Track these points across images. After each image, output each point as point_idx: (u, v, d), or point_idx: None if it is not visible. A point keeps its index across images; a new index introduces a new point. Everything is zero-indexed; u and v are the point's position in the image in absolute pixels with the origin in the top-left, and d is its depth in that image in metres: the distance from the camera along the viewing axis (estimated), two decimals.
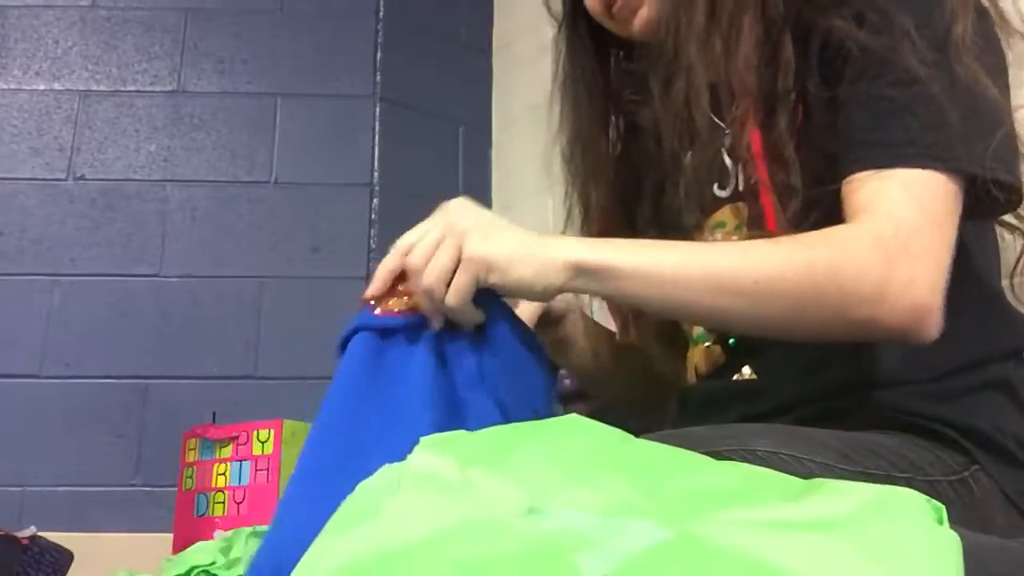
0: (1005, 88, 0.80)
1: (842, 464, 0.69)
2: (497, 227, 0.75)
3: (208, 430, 1.67)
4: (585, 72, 0.99)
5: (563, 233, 1.02)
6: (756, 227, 0.82)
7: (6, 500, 1.82)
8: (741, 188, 0.88)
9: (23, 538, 1.63)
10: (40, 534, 1.68)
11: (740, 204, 0.88)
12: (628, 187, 0.99)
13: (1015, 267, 0.88)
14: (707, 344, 0.92)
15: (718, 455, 0.64)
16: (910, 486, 0.71)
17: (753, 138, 0.82)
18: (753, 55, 0.82)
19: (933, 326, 0.71)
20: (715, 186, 0.90)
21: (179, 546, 1.65)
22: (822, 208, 0.77)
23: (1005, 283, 0.91)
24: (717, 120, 0.87)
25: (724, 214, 0.89)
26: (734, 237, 0.88)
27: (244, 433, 1.64)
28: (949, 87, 0.74)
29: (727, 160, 0.89)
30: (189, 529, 1.64)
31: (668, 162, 0.91)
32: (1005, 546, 0.64)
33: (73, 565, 1.69)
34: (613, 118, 1.01)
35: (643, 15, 0.90)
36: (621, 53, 1.00)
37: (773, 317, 0.72)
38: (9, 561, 1.59)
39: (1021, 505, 0.77)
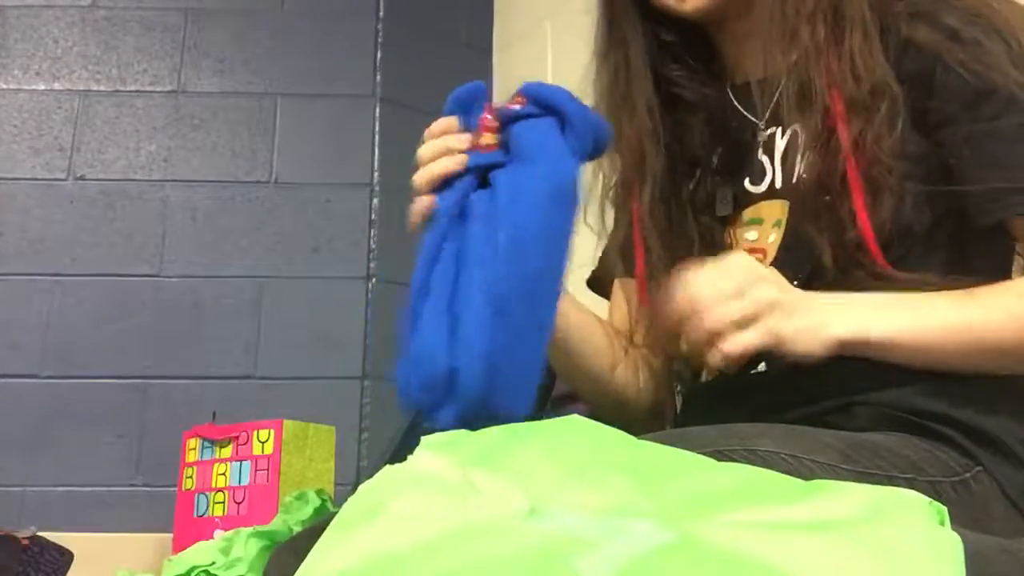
0: None
1: (844, 464, 0.69)
2: (796, 304, 0.77)
3: (208, 430, 1.67)
4: (628, 43, 0.97)
5: (586, 207, 1.01)
6: (803, 226, 0.84)
7: (6, 500, 1.82)
8: (779, 185, 0.89)
9: (23, 538, 1.63)
10: (40, 534, 1.68)
11: (779, 201, 0.89)
12: (663, 164, 0.97)
13: None
14: None
15: (719, 455, 0.64)
16: (911, 487, 0.71)
17: (841, 134, 0.83)
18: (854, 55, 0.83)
19: None
20: (747, 181, 0.91)
21: (179, 546, 1.65)
22: (916, 210, 0.81)
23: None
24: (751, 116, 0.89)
25: (760, 210, 0.90)
26: (772, 234, 0.89)
27: (244, 433, 1.64)
28: None
29: (761, 156, 0.90)
30: (189, 529, 1.64)
31: (700, 147, 0.93)
32: (1005, 547, 0.64)
33: (73, 565, 1.69)
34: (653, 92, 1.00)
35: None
36: (666, 25, 0.97)
37: (1010, 367, 0.79)
38: (9, 561, 1.59)
39: (1022, 506, 0.77)
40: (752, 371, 0.88)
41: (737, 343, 0.74)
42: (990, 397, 0.80)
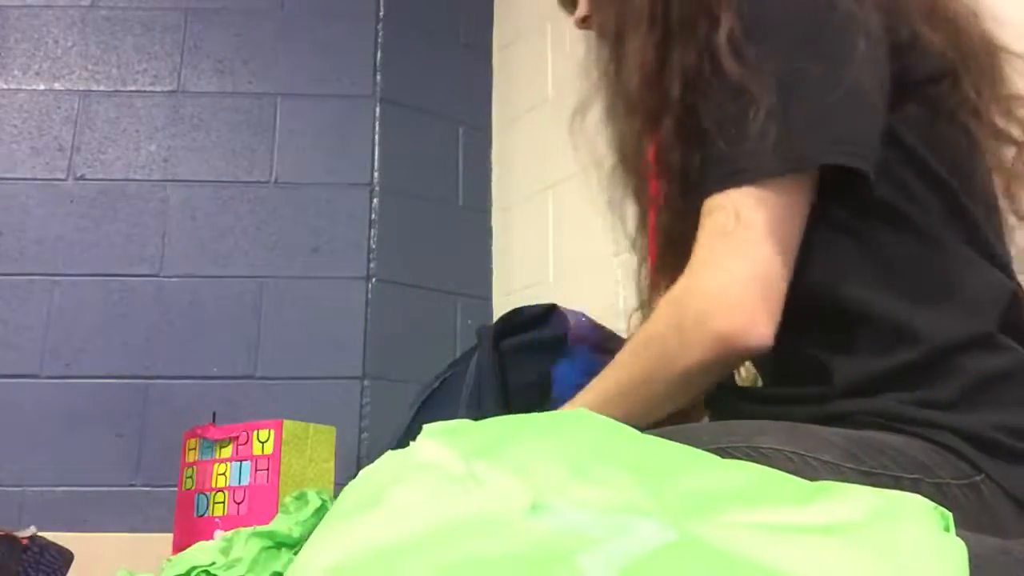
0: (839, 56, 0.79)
1: (848, 463, 0.69)
2: None
3: (208, 430, 1.67)
4: None
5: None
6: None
7: (6, 500, 1.81)
8: None
9: (23, 538, 1.63)
10: (40, 534, 1.68)
11: None
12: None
13: None
14: None
15: (723, 452, 0.64)
16: (917, 488, 0.71)
17: (649, 150, 0.88)
18: (644, 67, 0.86)
19: (754, 337, 0.75)
20: None
21: (179, 546, 1.65)
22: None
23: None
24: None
25: None
26: None
27: (244, 433, 1.64)
28: (768, 86, 0.76)
29: None
30: (189, 529, 1.64)
31: None
32: (1005, 548, 0.64)
33: (73, 565, 1.69)
34: None
35: (579, 11, 0.97)
36: None
37: (646, 408, 0.81)
38: (9, 561, 1.59)
39: None
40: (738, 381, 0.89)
41: None
42: (981, 397, 0.79)
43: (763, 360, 0.87)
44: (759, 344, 0.75)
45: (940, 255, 0.82)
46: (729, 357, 0.77)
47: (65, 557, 1.69)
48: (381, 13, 2.19)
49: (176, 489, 1.70)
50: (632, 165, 0.95)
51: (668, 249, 0.89)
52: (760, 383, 0.91)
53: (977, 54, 0.86)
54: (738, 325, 0.75)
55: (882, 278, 0.80)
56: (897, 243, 0.81)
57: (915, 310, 0.78)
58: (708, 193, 0.79)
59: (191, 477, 1.67)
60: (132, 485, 1.88)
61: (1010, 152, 0.88)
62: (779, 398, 0.84)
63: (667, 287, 0.85)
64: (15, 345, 1.91)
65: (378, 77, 2.15)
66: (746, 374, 0.90)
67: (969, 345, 0.79)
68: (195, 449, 1.68)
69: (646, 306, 1.03)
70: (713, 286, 0.76)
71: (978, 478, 0.75)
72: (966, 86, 0.85)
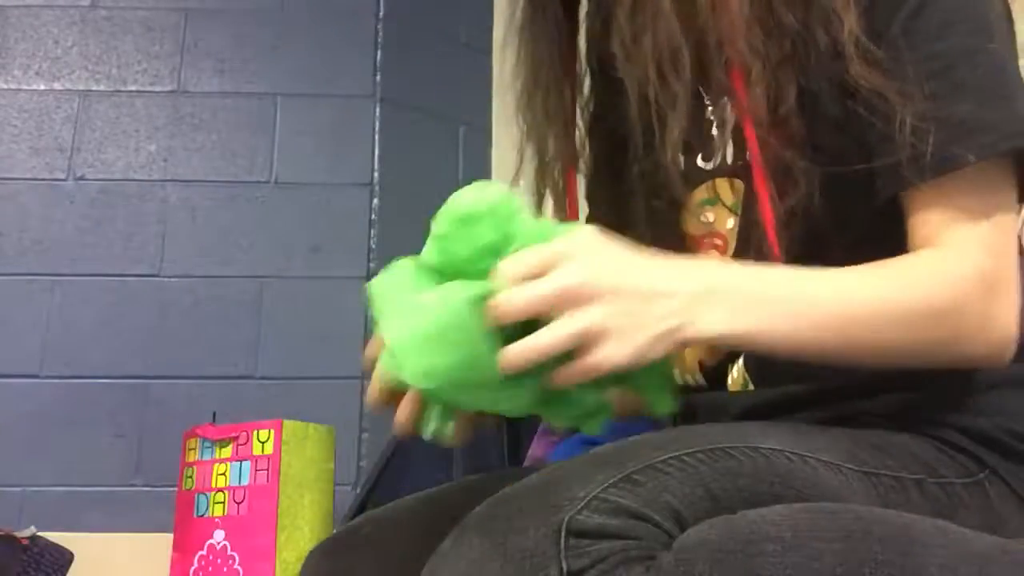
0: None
1: (850, 464, 0.69)
2: (632, 309, 0.62)
3: (208, 430, 1.67)
4: (547, 14, 0.91)
5: (514, 180, 0.96)
6: (752, 210, 0.79)
7: (6, 500, 1.82)
8: (731, 161, 0.83)
9: (23, 538, 1.64)
10: (40, 534, 1.68)
11: (735, 180, 0.83)
12: (610, 145, 0.93)
13: None
14: None
15: (722, 452, 0.64)
16: (921, 488, 0.71)
17: (747, 111, 0.78)
18: (749, 10, 0.77)
19: (1009, 354, 0.72)
20: (699, 157, 0.85)
21: (179, 546, 1.65)
22: (830, 196, 0.75)
23: None
24: (698, 87, 0.81)
25: (712, 189, 0.84)
26: (729, 219, 0.84)
27: (244, 433, 1.64)
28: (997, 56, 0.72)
29: (715, 129, 0.84)
30: (189, 529, 1.64)
31: (638, 128, 0.84)
32: (1007, 547, 0.64)
33: (73, 565, 1.69)
34: (584, 68, 0.95)
35: None
36: None
37: (895, 361, 0.72)
38: (9, 561, 1.59)
39: None
40: (729, 382, 0.88)
41: (535, 342, 0.58)
42: (990, 396, 0.79)
43: (758, 362, 0.86)
44: (1010, 357, 0.72)
45: None
46: (996, 363, 0.72)
47: (65, 557, 1.69)
48: (381, 13, 2.19)
49: (176, 489, 1.70)
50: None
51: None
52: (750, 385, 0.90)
53: None
54: (1014, 339, 0.71)
55: None
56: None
57: None
58: (950, 162, 0.70)
59: (191, 477, 1.67)
60: (132, 485, 1.88)
61: None
62: (779, 402, 0.83)
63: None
64: (15, 345, 1.91)
65: (378, 77, 2.15)
66: (738, 376, 0.89)
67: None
68: (195, 449, 1.68)
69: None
70: (1008, 282, 0.70)
71: (982, 475, 0.74)
72: None
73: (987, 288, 0.70)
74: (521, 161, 0.97)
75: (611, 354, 0.60)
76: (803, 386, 0.81)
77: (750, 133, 0.78)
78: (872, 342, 0.69)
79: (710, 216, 0.85)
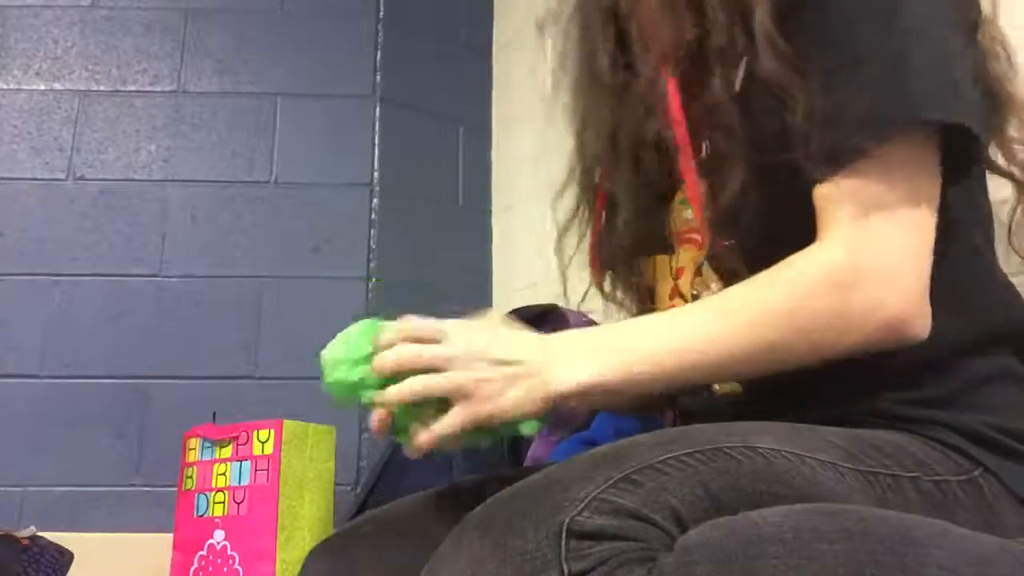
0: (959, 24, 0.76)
1: (847, 463, 0.69)
2: (496, 375, 0.74)
3: (208, 430, 1.67)
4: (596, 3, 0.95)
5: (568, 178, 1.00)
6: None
7: (6, 500, 1.82)
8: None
9: (23, 538, 1.63)
10: (40, 534, 1.68)
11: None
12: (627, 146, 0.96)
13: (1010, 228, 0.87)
14: None
15: (720, 452, 0.64)
16: (916, 486, 0.71)
17: (671, 99, 0.80)
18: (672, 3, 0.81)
19: (918, 327, 0.72)
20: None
21: (179, 546, 1.65)
22: (764, 188, 0.76)
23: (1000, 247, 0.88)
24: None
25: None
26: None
27: (244, 433, 1.64)
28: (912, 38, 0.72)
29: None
30: (189, 529, 1.64)
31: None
32: (1006, 547, 0.64)
33: (73, 565, 1.69)
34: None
35: None
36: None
37: (752, 372, 0.75)
38: (9, 561, 1.59)
39: None
40: (717, 387, 0.89)
41: (442, 428, 0.73)
42: (977, 397, 0.79)
43: None
44: (920, 335, 0.72)
45: (971, 257, 0.82)
46: (891, 346, 0.72)
47: (65, 557, 1.69)
48: (381, 13, 2.19)
49: (176, 489, 1.70)
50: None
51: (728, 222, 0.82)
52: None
53: (996, 91, 0.84)
54: (910, 314, 0.71)
55: None
56: None
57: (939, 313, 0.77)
58: (828, 173, 0.72)
59: (191, 477, 1.67)
60: (132, 485, 1.88)
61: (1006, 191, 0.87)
62: (773, 401, 0.83)
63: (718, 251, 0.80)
64: (15, 345, 1.91)
65: (378, 77, 2.15)
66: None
67: (970, 350, 0.79)
68: (195, 449, 1.68)
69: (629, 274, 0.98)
70: (883, 269, 0.71)
71: (976, 473, 0.75)
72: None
73: (835, 285, 0.71)
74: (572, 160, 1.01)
75: (481, 410, 0.72)
76: (793, 385, 0.81)
77: (679, 129, 0.81)
78: (714, 357, 0.73)
79: (688, 213, 0.88)
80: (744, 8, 0.77)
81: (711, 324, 0.74)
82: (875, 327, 0.71)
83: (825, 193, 0.74)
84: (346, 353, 0.80)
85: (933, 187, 0.74)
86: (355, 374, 0.79)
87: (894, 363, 0.77)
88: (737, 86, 0.78)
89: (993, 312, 0.81)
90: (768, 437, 0.67)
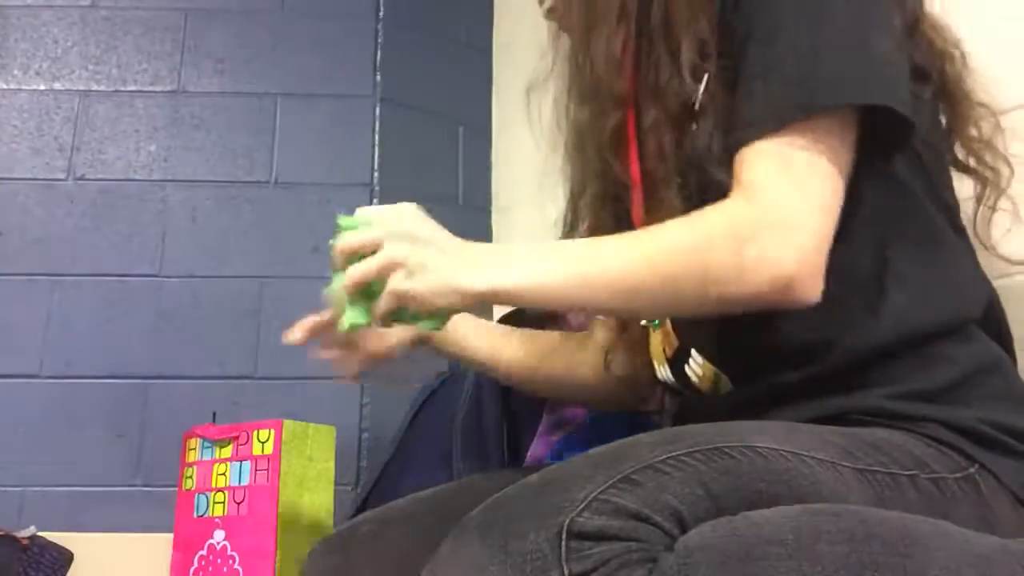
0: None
1: (845, 461, 0.69)
2: (426, 253, 0.80)
3: (208, 430, 1.67)
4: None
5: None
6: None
7: (6, 500, 1.81)
8: None
9: (23, 538, 1.64)
10: (40, 534, 1.68)
11: None
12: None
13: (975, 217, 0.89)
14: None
15: (718, 452, 0.64)
16: (914, 484, 0.71)
17: (627, 151, 0.88)
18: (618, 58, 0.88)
19: (807, 290, 0.74)
20: None
21: (179, 547, 1.65)
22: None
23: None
24: None
25: None
26: None
27: (244, 433, 1.64)
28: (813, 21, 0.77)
29: None
30: (189, 529, 1.64)
31: None
32: (1007, 547, 0.64)
33: (73, 565, 1.69)
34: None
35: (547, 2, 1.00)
36: None
37: (649, 306, 0.81)
38: (9, 561, 1.59)
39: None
40: (688, 367, 0.89)
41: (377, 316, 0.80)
42: (969, 391, 0.79)
43: (720, 355, 0.87)
44: (811, 300, 0.74)
45: (934, 242, 0.84)
46: (779, 304, 0.75)
47: (65, 557, 1.69)
48: (381, 13, 2.19)
49: (176, 489, 1.70)
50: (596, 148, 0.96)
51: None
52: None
53: (951, 91, 0.88)
54: (802, 274, 0.73)
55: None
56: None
57: (903, 292, 0.80)
58: (747, 139, 0.77)
59: (191, 477, 1.67)
60: (132, 485, 1.88)
61: (965, 184, 0.90)
62: (765, 396, 0.84)
63: None
64: (15, 345, 1.91)
65: (378, 77, 2.15)
66: (704, 372, 0.90)
67: (951, 332, 0.80)
68: (195, 449, 1.68)
69: None
70: (782, 227, 0.74)
71: (972, 470, 0.75)
72: (939, 109, 0.89)
73: (733, 233, 0.74)
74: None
75: (408, 286, 0.78)
76: (783, 377, 0.82)
77: (633, 172, 0.89)
78: (616, 279, 0.76)
79: None
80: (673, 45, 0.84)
81: (622, 250, 0.78)
82: (766, 280, 0.73)
83: (741, 157, 0.77)
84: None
85: (846, 163, 0.77)
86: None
87: (877, 342, 0.78)
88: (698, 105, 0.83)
89: (964, 299, 0.83)
90: (767, 436, 0.67)
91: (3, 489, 1.83)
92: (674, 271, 0.75)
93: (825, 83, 0.75)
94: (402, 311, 0.81)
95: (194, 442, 1.68)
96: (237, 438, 1.64)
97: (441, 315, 0.82)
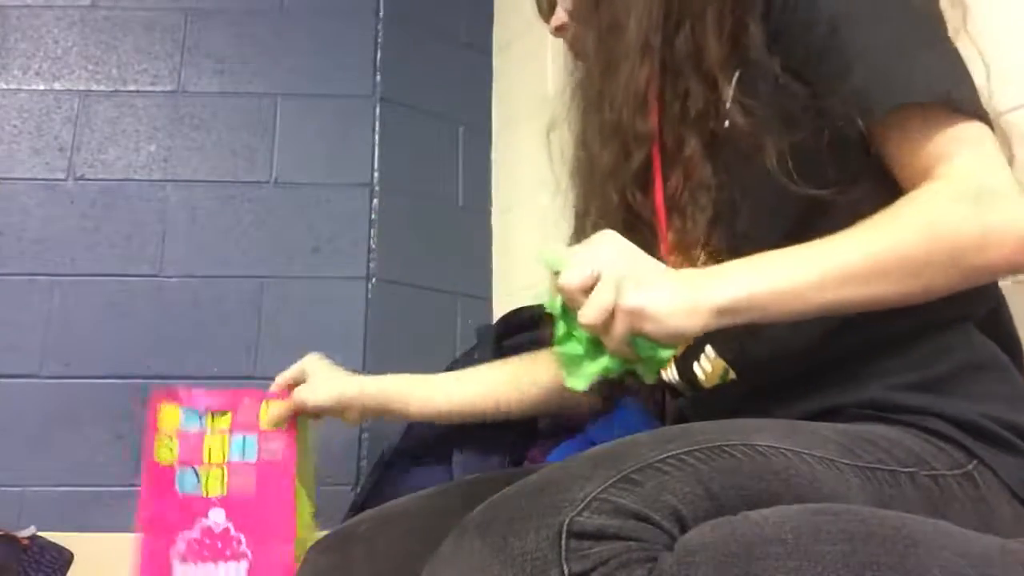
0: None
1: (845, 459, 0.69)
2: (649, 272, 0.75)
3: (194, 398, 1.47)
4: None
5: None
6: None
7: (6, 500, 1.81)
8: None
9: (23, 538, 1.63)
10: (40, 534, 1.68)
11: None
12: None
13: None
14: None
15: (719, 451, 0.64)
16: (914, 481, 0.71)
17: (651, 186, 0.88)
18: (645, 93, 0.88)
19: None
20: None
21: (150, 527, 1.48)
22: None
23: None
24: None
25: None
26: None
27: (248, 400, 1.47)
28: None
29: None
30: (167, 506, 1.46)
31: None
32: (1007, 547, 0.64)
33: (73, 565, 1.69)
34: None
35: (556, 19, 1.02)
36: None
37: (900, 290, 0.75)
38: (9, 561, 1.59)
39: (1022, 495, 0.77)
40: (697, 363, 0.89)
41: (612, 340, 0.74)
42: (968, 385, 0.79)
43: (734, 347, 0.87)
44: None
45: None
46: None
47: (65, 557, 1.69)
48: (381, 13, 2.19)
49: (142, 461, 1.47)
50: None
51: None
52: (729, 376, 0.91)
53: None
54: None
55: None
56: None
57: None
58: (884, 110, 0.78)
59: (170, 448, 1.46)
60: (132, 485, 1.87)
61: None
62: (765, 389, 0.84)
63: None
64: (15, 345, 1.91)
65: (378, 77, 2.15)
66: (713, 368, 0.90)
67: (949, 325, 0.80)
68: (173, 417, 1.46)
69: None
70: (1008, 191, 0.75)
71: (971, 467, 0.75)
72: None
73: (968, 207, 0.74)
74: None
75: (643, 302, 0.72)
76: (784, 368, 0.82)
77: (654, 117, 0.87)
78: (860, 267, 0.73)
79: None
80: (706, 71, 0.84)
81: (856, 244, 0.74)
82: (1015, 242, 0.73)
83: (901, 138, 0.78)
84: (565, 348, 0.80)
85: None
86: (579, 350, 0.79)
87: (881, 334, 0.78)
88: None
89: (965, 296, 0.83)
90: (766, 435, 0.67)
91: (3, 489, 1.83)
92: (919, 254, 0.73)
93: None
94: (637, 341, 0.75)
95: (173, 408, 1.47)
96: (236, 408, 1.47)
97: (676, 342, 0.76)
